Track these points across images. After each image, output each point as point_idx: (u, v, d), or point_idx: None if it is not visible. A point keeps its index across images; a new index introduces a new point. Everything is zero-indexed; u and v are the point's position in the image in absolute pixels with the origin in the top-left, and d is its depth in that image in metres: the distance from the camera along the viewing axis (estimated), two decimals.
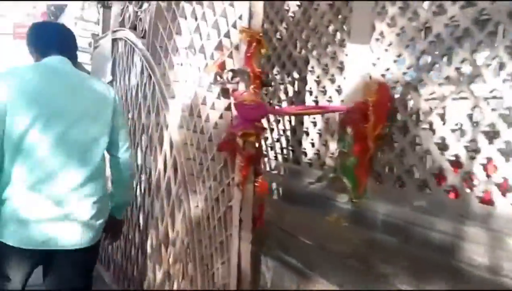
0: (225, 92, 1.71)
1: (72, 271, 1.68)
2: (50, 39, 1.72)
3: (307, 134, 2.37)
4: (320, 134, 2.28)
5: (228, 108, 1.70)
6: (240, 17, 1.59)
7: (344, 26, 2.17)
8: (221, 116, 1.73)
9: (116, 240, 2.14)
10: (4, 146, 1.53)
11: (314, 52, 2.37)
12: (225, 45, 1.72)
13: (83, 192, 1.62)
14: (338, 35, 2.22)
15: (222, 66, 1.70)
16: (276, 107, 2.53)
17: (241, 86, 1.54)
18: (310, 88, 2.39)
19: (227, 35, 1.69)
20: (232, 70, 1.56)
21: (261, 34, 1.50)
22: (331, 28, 2.25)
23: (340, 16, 2.20)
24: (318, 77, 2.33)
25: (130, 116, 2.77)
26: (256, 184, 1.51)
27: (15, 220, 1.54)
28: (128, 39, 2.79)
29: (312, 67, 2.38)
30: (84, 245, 1.64)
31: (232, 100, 1.59)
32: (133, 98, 2.70)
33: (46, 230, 1.56)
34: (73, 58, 1.76)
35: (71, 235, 1.61)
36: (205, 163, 1.82)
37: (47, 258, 1.64)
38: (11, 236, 1.54)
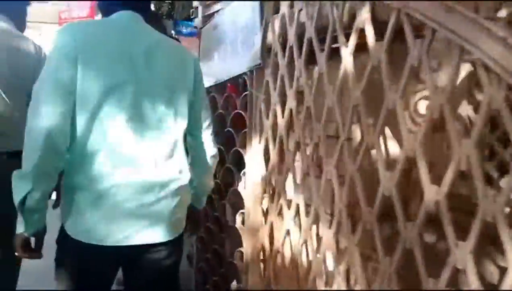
0: None
1: (156, 270, 1.42)
2: None
3: None
4: None
5: None
6: None
7: None
8: None
9: (196, 232, 1.84)
10: (77, 117, 1.25)
11: None
12: None
13: (165, 175, 1.36)
14: None
15: None
16: None
17: None
18: None
19: None
20: None
21: None
22: None
23: None
24: None
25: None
26: None
27: (94, 212, 1.28)
28: None
29: None
30: (168, 238, 1.38)
31: None
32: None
33: (127, 222, 1.31)
34: (146, 14, 1.48)
35: (153, 228, 1.35)
36: None
37: (127, 258, 1.38)
38: (90, 232, 1.28)
